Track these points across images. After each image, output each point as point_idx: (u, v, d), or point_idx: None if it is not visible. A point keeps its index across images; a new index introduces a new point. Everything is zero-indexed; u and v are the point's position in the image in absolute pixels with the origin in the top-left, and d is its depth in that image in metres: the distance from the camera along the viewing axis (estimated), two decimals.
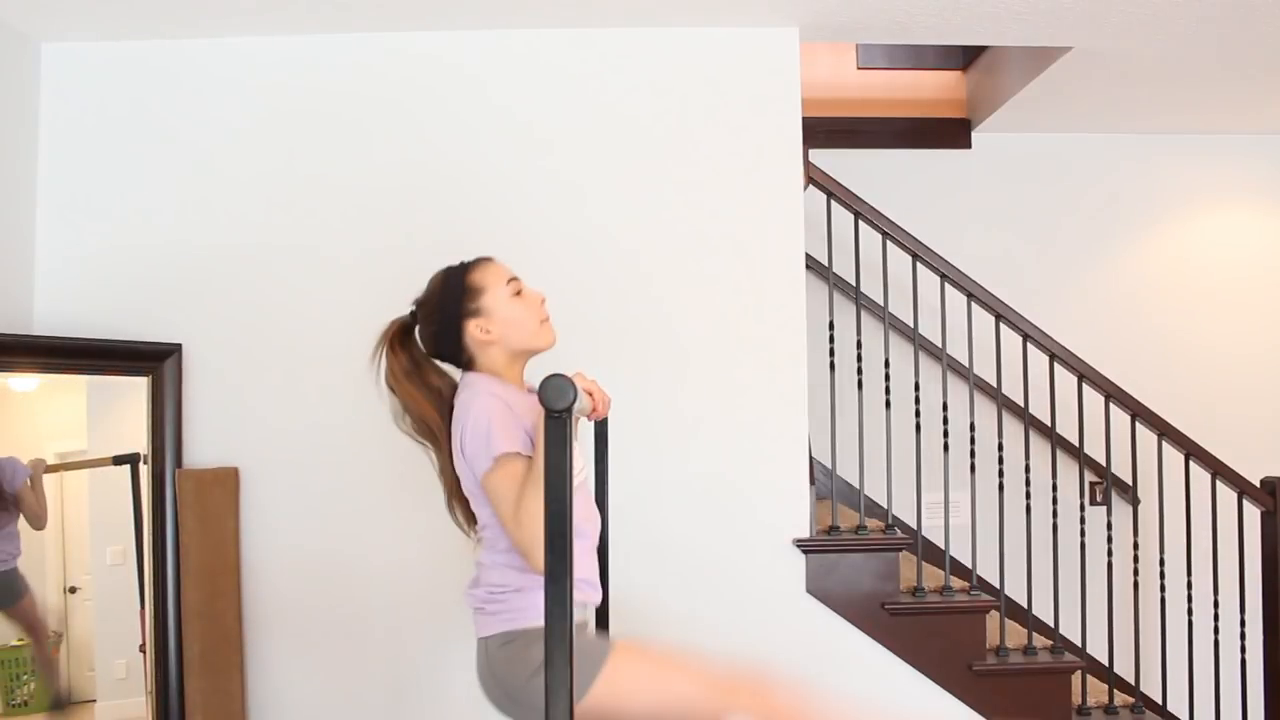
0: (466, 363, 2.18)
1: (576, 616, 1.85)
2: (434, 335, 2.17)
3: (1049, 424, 3.58)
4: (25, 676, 3.06)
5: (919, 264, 3.51)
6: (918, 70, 4.78)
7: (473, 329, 2.13)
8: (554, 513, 1.42)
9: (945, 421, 3.48)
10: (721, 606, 3.28)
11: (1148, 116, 4.43)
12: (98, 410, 3.18)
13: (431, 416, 2.17)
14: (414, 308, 2.22)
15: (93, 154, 3.31)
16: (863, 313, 3.63)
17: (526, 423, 2.03)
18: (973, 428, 3.51)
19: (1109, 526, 3.58)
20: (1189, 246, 4.70)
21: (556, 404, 1.46)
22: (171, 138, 3.33)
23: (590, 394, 2.02)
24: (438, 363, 2.22)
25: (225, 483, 3.20)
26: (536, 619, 1.96)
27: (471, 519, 2.20)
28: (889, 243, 3.51)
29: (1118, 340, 4.52)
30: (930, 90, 4.75)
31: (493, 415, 2.00)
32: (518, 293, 2.17)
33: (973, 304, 3.51)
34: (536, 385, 1.58)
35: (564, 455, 1.43)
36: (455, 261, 2.22)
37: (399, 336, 2.20)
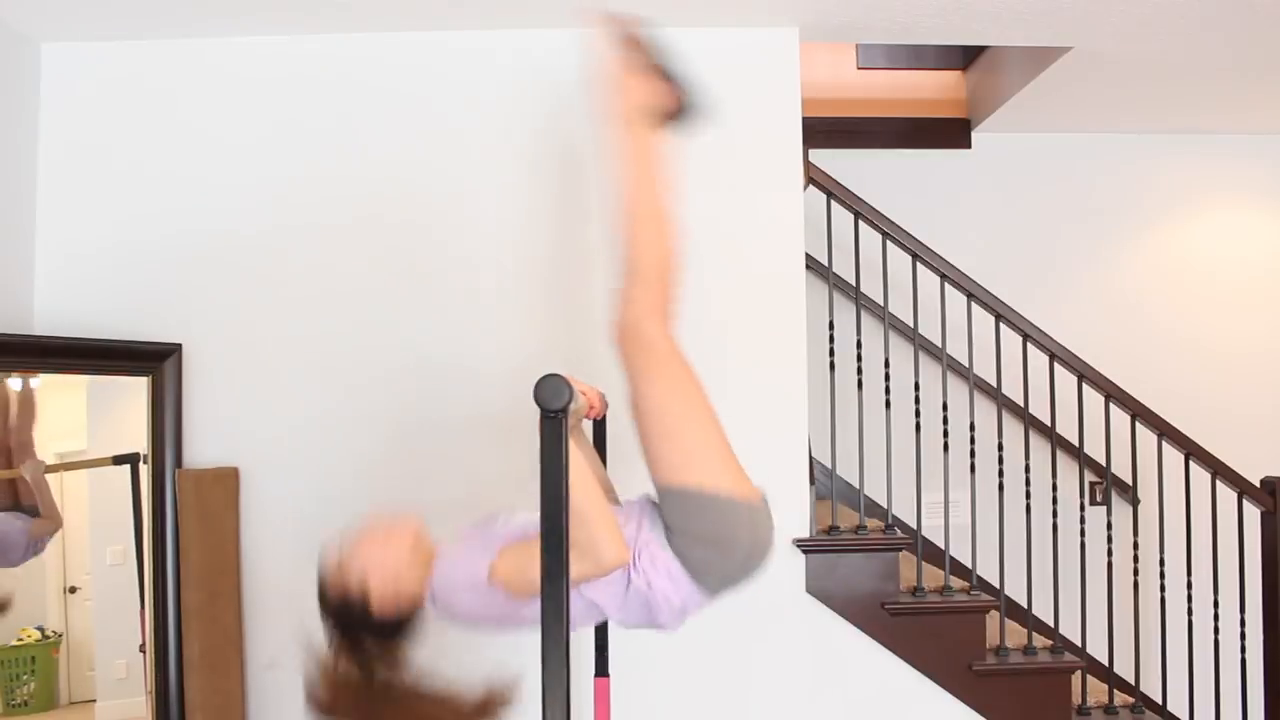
0: None
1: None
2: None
3: (1049, 424, 3.58)
4: (25, 676, 3.07)
5: (919, 264, 3.51)
6: (918, 70, 4.78)
7: None
8: (550, 513, 1.42)
9: (945, 421, 3.48)
10: (721, 606, 3.26)
11: (1148, 116, 4.43)
12: (98, 410, 3.18)
13: None
14: None
15: (93, 154, 3.32)
16: (863, 313, 3.63)
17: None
18: (973, 428, 3.51)
19: (1109, 526, 3.58)
20: (1189, 246, 4.71)
21: (552, 404, 1.46)
22: (171, 138, 3.33)
23: (584, 394, 2.02)
24: None
25: (225, 483, 3.20)
26: None
27: None
28: (889, 243, 3.52)
29: (1118, 340, 4.51)
30: (930, 90, 4.75)
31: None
32: None
33: (973, 304, 3.51)
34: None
35: (560, 454, 1.43)
36: None
37: None
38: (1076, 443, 3.81)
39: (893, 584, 3.33)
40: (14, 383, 3.04)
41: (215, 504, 3.17)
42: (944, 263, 3.49)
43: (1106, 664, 3.59)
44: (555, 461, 1.44)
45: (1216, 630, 3.60)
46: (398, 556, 1.92)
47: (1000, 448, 3.56)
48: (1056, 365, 3.55)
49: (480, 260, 3.31)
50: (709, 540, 1.90)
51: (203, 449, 3.25)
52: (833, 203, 3.50)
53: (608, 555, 1.80)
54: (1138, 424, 3.60)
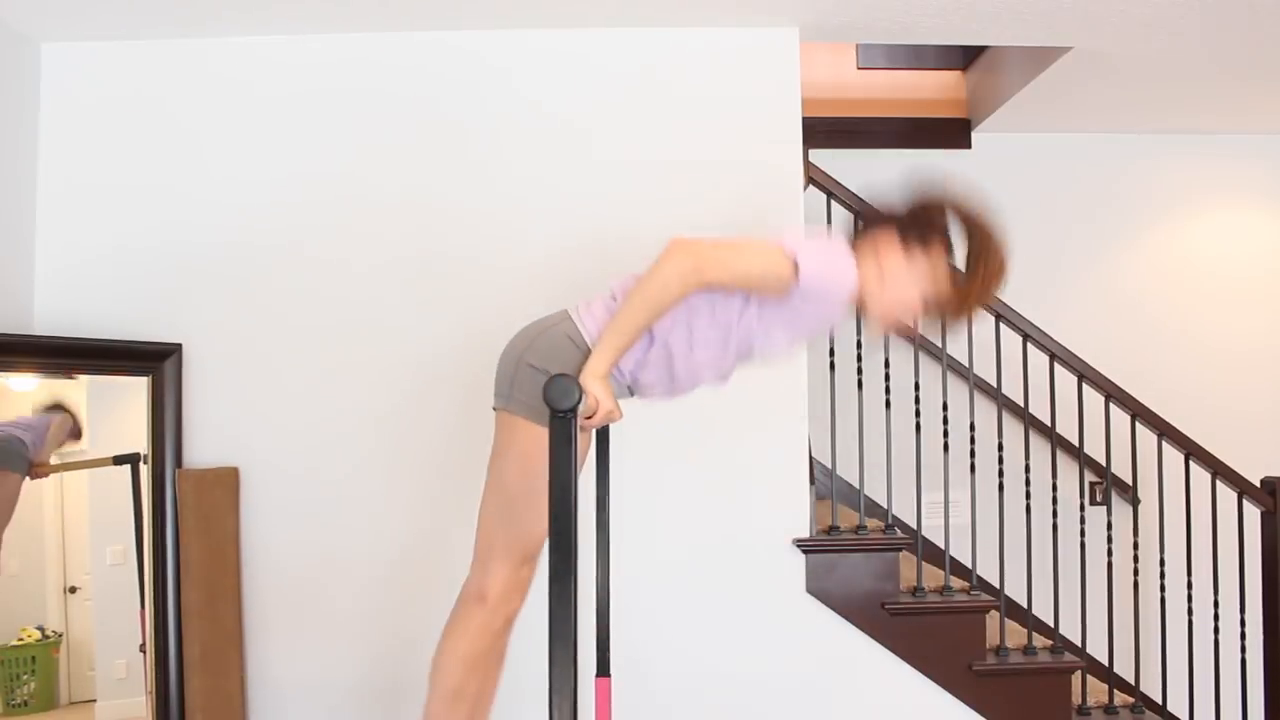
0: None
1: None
2: (904, 220, 2.10)
3: (1049, 424, 3.58)
4: (25, 676, 3.06)
5: None
6: (918, 70, 4.78)
7: (886, 242, 2.08)
8: (558, 513, 1.41)
9: (945, 421, 3.48)
10: (722, 606, 3.28)
11: (1148, 116, 4.43)
12: (98, 410, 3.18)
13: None
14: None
15: (93, 154, 3.31)
16: None
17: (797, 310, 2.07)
18: (973, 428, 3.51)
19: (1109, 526, 3.58)
20: (1189, 246, 4.71)
21: (561, 404, 1.46)
22: (172, 137, 3.33)
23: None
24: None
25: (225, 483, 3.20)
26: None
27: None
28: None
29: (1118, 340, 4.52)
30: (930, 90, 4.75)
31: (834, 267, 2.02)
32: (923, 300, 2.10)
33: None
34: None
35: (569, 454, 1.43)
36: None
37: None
38: (1076, 443, 3.81)
39: (893, 584, 3.33)
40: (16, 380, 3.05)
41: (215, 504, 3.17)
42: None
43: (1106, 664, 3.59)
44: (565, 460, 1.44)
45: (1216, 630, 3.60)
46: None
47: (1000, 448, 3.56)
48: (1056, 365, 3.55)
49: (481, 261, 3.31)
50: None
51: (203, 449, 3.25)
52: (833, 203, 3.50)
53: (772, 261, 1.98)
54: (1138, 424, 3.60)
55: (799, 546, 3.30)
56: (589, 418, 1.97)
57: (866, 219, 2.16)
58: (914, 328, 2.18)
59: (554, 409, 1.45)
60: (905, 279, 2.07)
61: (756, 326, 2.11)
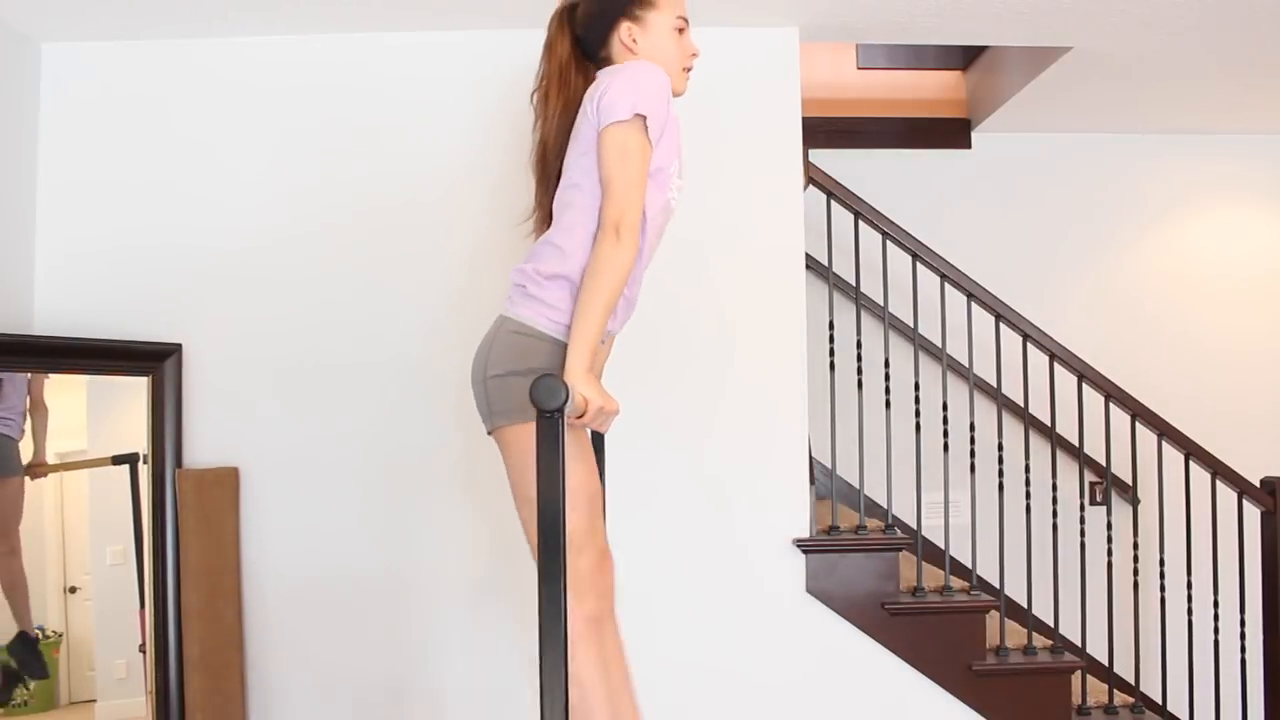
0: (601, 62, 2.22)
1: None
2: (589, 16, 2.19)
3: (1049, 424, 3.58)
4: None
5: (919, 264, 3.51)
6: (918, 70, 4.78)
7: (624, 30, 2.17)
8: (547, 514, 1.41)
9: (945, 421, 3.48)
10: (721, 606, 3.28)
11: (1148, 116, 4.43)
12: (98, 410, 3.18)
13: (569, 81, 2.22)
14: None
15: (93, 154, 3.32)
16: (863, 313, 3.63)
17: (665, 130, 2.09)
18: (973, 428, 3.51)
19: (1109, 526, 3.57)
20: (1189, 246, 4.70)
21: (548, 404, 1.46)
22: (172, 138, 3.33)
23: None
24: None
25: (225, 483, 3.20)
26: (558, 331, 2.04)
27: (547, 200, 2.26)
28: (889, 243, 3.51)
29: (1118, 340, 4.51)
30: (930, 90, 4.75)
31: (655, 85, 2.05)
32: (680, 31, 2.20)
33: (973, 304, 3.51)
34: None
35: (556, 456, 1.43)
36: None
37: (568, 13, 2.24)
38: (1076, 443, 3.81)
39: (893, 584, 3.33)
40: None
41: (215, 504, 3.17)
42: (944, 263, 3.49)
43: (1106, 664, 3.58)
44: (552, 461, 1.44)
45: (1216, 630, 3.59)
46: None
47: (1000, 448, 3.56)
48: (1056, 365, 3.55)
49: (481, 261, 3.31)
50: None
51: (203, 449, 3.25)
52: (833, 203, 3.49)
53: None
54: (1138, 424, 3.59)
55: (799, 546, 3.30)
56: (579, 417, 1.96)
57: (593, 32, 2.21)
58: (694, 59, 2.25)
59: (541, 409, 1.45)
60: (656, 37, 2.17)
61: (658, 188, 2.15)
